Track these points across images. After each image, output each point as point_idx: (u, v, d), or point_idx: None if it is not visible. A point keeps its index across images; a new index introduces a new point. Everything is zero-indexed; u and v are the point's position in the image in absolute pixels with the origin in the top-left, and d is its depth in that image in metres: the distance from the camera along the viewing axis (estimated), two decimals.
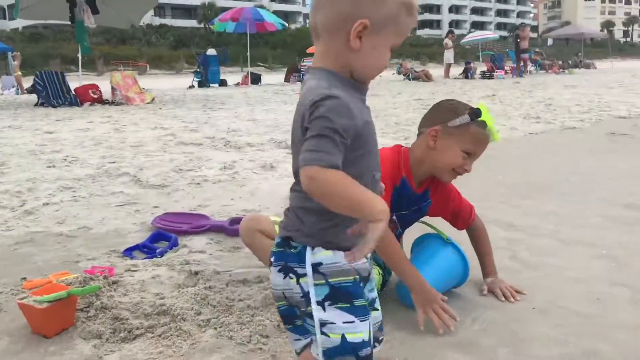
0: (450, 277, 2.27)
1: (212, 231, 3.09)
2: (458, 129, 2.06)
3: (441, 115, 2.13)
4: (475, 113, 2.03)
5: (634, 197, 3.70)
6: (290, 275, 1.25)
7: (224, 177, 4.44)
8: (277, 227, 2.35)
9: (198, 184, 4.25)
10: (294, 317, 1.30)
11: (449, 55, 21.75)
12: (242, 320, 2.02)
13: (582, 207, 3.50)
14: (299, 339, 1.32)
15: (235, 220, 3.15)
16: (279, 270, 1.27)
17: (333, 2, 1.18)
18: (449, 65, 21.84)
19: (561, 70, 26.89)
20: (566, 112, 8.79)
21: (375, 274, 2.16)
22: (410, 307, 2.10)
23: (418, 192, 2.20)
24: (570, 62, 31.90)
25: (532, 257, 2.69)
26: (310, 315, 1.23)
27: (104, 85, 12.78)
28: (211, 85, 19.06)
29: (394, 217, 2.23)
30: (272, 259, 1.30)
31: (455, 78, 21.06)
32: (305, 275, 1.23)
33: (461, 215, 2.36)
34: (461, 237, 2.41)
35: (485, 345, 1.91)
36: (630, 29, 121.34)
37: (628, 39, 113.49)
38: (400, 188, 2.15)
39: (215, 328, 1.99)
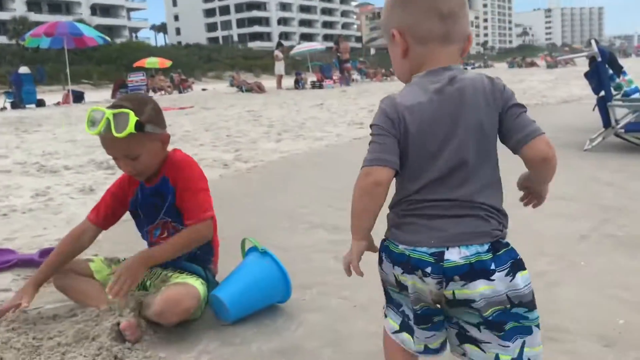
0: (264, 283, 2.21)
1: (20, 266, 2.80)
2: None
3: None
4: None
5: None
6: (521, 270, 1.26)
7: (36, 205, 4.07)
8: (93, 265, 2.24)
9: (5, 215, 3.84)
10: (433, 315, 1.32)
11: (279, 67, 22.22)
12: None
13: None
14: (434, 335, 1.34)
15: (46, 252, 2.89)
16: (507, 274, 1.24)
17: (466, 14, 1.34)
18: (280, 76, 22.31)
19: (384, 77, 28.72)
20: None
21: (199, 285, 2.12)
22: (224, 320, 2.11)
23: (153, 184, 2.22)
24: (391, 70, 34.19)
25: None
26: (525, 308, 1.25)
27: None
28: (27, 106, 17.53)
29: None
30: (493, 266, 1.23)
31: (287, 89, 21.55)
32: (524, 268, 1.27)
33: (188, 208, 2.16)
34: None
35: (309, 348, 1.93)
36: None
37: None
38: (141, 195, 2.24)
39: None
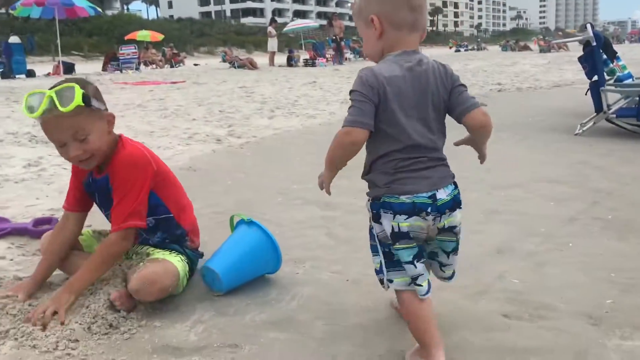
0: (255, 252, 2.23)
1: (13, 235, 2.80)
2: None
3: None
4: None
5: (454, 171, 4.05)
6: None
7: (28, 175, 4.05)
8: (82, 238, 2.23)
9: None
10: (421, 256, 1.66)
11: (272, 44, 22.06)
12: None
13: None
14: (424, 271, 1.66)
15: (40, 221, 2.91)
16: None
17: (426, 9, 1.73)
18: (273, 53, 22.14)
19: None
20: None
21: (178, 261, 2.13)
22: (217, 291, 2.15)
23: (100, 176, 2.11)
24: None
25: (346, 232, 2.83)
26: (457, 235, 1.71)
27: None
28: (17, 76, 17.32)
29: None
30: (460, 197, 1.67)
31: (279, 66, 21.41)
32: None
33: (112, 214, 2.07)
34: None
35: (302, 320, 1.96)
36: (435, 18, 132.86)
37: (434, 28, 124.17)
38: (92, 181, 2.13)
39: (16, 338, 1.81)
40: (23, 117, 7.20)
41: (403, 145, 1.57)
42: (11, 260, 2.52)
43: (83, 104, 1.90)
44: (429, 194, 1.58)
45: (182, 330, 1.90)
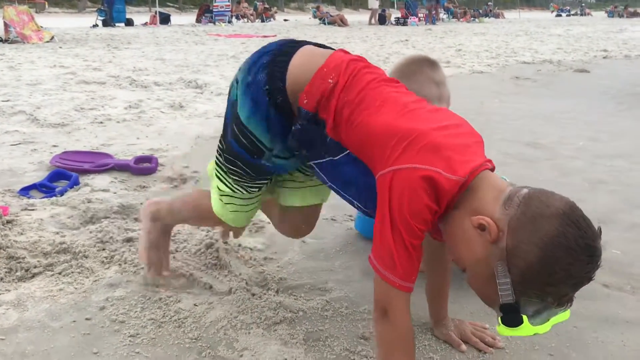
0: None
1: (116, 170, 2.95)
2: None
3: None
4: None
5: (533, 136, 3.89)
6: None
7: (129, 116, 4.23)
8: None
9: (101, 122, 4.03)
10: None
11: (373, 1, 21.76)
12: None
13: (485, 146, 3.62)
14: None
15: (141, 159, 3.04)
16: None
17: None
18: (375, 11, 21.83)
19: (472, 19, 27.52)
20: (475, 57, 9.04)
21: None
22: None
23: None
24: (480, 11, 32.68)
25: None
26: None
27: None
28: (116, 24, 18.05)
29: None
30: None
31: (370, 24, 21.09)
32: None
33: None
34: None
35: None
36: None
37: None
38: None
39: (120, 264, 1.92)
40: (123, 62, 7.51)
41: None
42: (114, 193, 2.64)
43: None
44: None
45: (274, 269, 1.94)
